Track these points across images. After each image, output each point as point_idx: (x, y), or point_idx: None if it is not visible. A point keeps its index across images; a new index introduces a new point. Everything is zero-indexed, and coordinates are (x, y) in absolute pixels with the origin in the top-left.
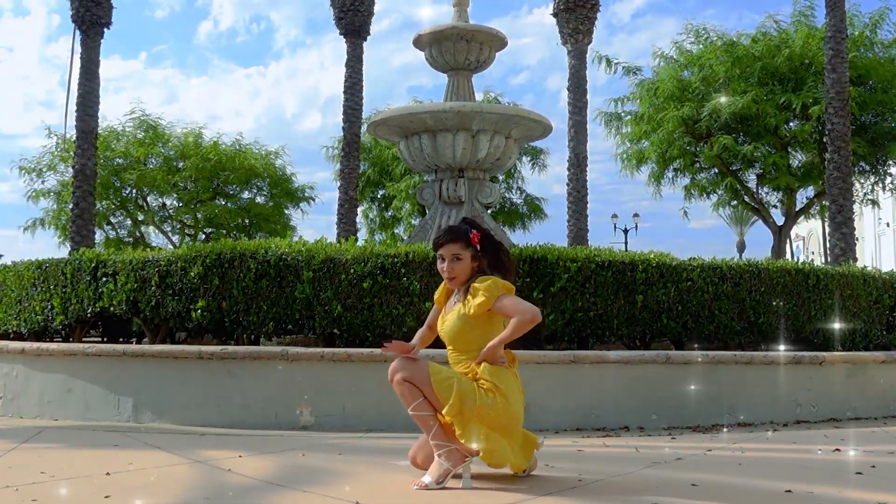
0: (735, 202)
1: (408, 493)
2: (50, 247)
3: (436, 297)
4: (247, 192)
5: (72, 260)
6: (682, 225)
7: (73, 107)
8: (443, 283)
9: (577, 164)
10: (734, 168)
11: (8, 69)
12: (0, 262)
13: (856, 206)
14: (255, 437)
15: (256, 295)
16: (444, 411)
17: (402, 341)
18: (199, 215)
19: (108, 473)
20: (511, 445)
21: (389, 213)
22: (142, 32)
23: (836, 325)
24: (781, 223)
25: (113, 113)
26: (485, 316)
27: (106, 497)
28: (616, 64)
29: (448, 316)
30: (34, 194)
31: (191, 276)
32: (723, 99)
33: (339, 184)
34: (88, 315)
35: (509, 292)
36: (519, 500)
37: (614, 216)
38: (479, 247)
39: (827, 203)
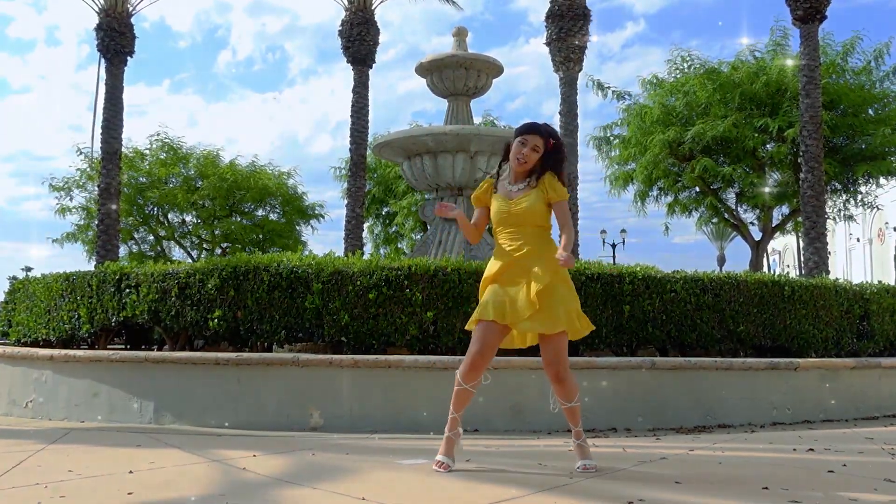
0: (715, 219)
1: (411, 490)
2: (77, 261)
3: (475, 200)
4: (261, 210)
5: (97, 272)
6: (666, 240)
7: (98, 130)
8: (482, 186)
9: (569, 183)
10: (714, 187)
11: (41, 95)
12: (30, 275)
13: (828, 223)
14: (269, 437)
15: (269, 305)
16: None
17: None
18: (216, 231)
19: (130, 472)
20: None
21: (393, 229)
22: (165, 61)
23: (810, 334)
24: (759, 238)
25: (138, 136)
26: (548, 207)
27: (129, 494)
28: (607, 88)
29: (519, 199)
30: (62, 209)
31: (208, 287)
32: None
33: (346, 202)
34: (113, 324)
35: (566, 200)
36: (513, 497)
37: (603, 232)
38: (547, 151)
39: (801, 220)
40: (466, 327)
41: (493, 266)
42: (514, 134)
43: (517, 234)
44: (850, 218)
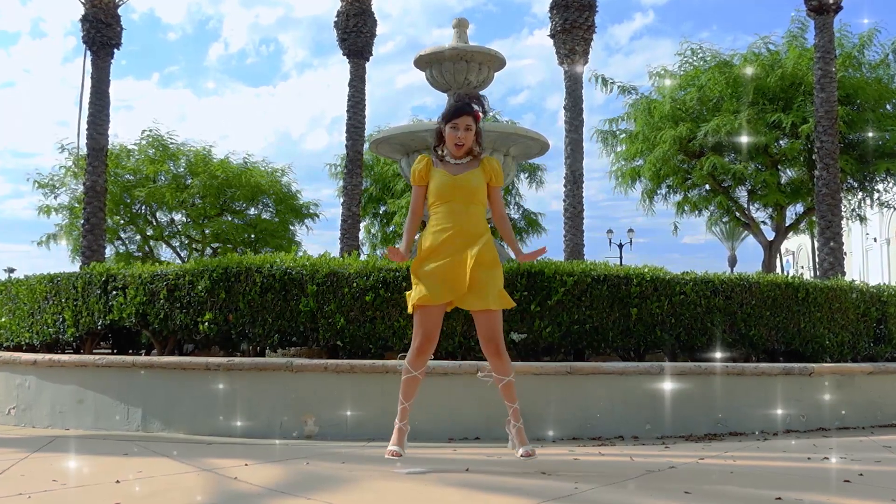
0: (726, 218)
1: (409, 500)
2: (62, 261)
3: (416, 180)
4: (253, 209)
5: (83, 274)
6: (675, 240)
7: (84, 125)
8: (421, 162)
9: (574, 180)
10: (725, 185)
11: (26, 90)
12: (13, 276)
13: (843, 222)
14: (261, 445)
15: (262, 308)
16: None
17: (397, 251)
18: (206, 231)
19: (117, 481)
20: None
21: (391, 229)
22: (154, 54)
23: (825, 338)
24: (772, 238)
25: (126, 132)
26: (486, 187)
27: None
28: (612, 83)
29: (466, 175)
30: (45, 209)
31: (198, 289)
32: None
33: (342, 200)
34: (99, 327)
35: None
36: None
37: (609, 231)
38: (478, 123)
39: (816, 219)
40: (409, 311)
41: (431, 242)
42: (442, 121)
43: (460, 209)
44: (862, 219)
